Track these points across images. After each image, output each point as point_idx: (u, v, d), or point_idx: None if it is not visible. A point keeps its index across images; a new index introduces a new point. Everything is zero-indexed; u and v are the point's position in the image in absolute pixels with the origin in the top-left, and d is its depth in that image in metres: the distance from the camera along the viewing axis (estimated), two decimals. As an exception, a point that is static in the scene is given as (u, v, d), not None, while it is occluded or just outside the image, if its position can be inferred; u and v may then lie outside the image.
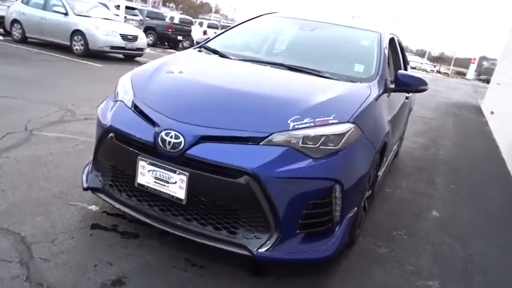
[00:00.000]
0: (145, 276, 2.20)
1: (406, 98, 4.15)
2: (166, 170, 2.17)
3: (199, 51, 3.45)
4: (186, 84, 2.65)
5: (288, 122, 2.22)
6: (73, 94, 6.18)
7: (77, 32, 10.49)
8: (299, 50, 3.57)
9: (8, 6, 11.98)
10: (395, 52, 4.13)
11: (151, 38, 18.91)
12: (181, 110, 2.32)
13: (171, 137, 2.15)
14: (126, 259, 2.29)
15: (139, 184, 2.28)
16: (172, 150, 2.14)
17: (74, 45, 10.59)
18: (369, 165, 2.47)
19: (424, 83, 3.22)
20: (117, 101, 2.59)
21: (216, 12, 73.63)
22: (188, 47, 17.47)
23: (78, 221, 2.61)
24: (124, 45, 10.83)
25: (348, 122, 2.31)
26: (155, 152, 2.20)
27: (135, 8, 20.67)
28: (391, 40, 3.91)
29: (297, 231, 2.19)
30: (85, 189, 2.56)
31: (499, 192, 5.03)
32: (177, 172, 2.14)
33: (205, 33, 22.69)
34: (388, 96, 3.12)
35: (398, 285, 2.52)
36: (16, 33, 11.50)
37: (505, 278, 2.91)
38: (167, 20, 21.10)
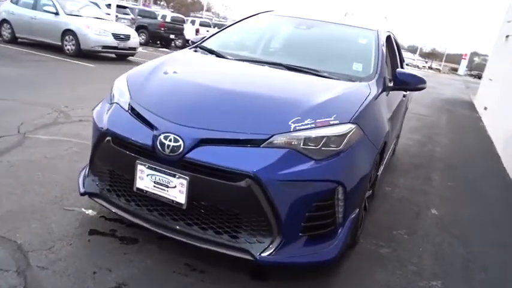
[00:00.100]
0: (145, 282, 2.16)
1: (404, 96, 4.14)
2: (166, 174, 2.12)
3: (195, 51, 3.40)
4: (184, 86, 2.60)
5: (289, 123, 2.18)
6: (66, 95, 6.10)
7: (68, 32, 10.36)
8: (296, 49, 3.54)
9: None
10: (392, 50, 4.11)
11: (143, 37, 18.76)
12: (180, 112, 2.28)
13: (170, 140, 2.10)
14: (125, 265, 2.25)
15: (138, 189, 2.23)
16: (171, 154, 2.10)
17: (65, 45, 10.46)
18: (371, 166, 2.44)
19: (423, 81, 3.20)
20: (113, 103, 2.53)
21: (208, 10, 73.32)
22: (181, 46, 17.41)
23: (76, 226, 2.56)
24: (116, 45, 10.72)
25: (349, 122, 2.28)
26: (154, 156, 2.15)
27: (127, 7, 20.48)
28: (388, 38, 3.88)
29: (300, 234, 2.16)
30: (82, 194, 2.51)
31: (496, 189, 5.05)
32: (177, 176, 2.09)
33: (197, 31, 22.57)
34: (387, 95, 3.10)
35: (402, 286, 2.50)
36: (5, 33, 11.34)
37: (507, 277, 2.90)
38: (159, 18, 20.92)
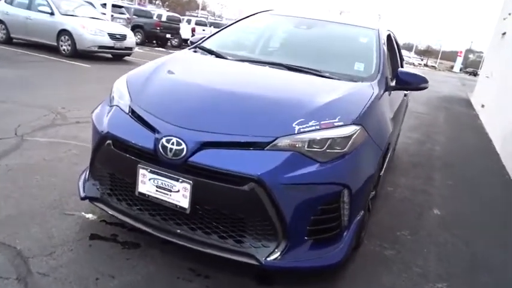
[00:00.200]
0: (149, 288, 2.12)
1: (405, 95, 4.12)
2: (169, 178, 2.08)
3: (195, 51, 3.36)
4: (185, 88, 2.56)
5: (293, 125, 2.15)
6: (62, 96, 6.04)
7: (63, 32, 10.27)
8: (297, 49, 3.50)
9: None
10: (392, 49, 4.08)
11: (139, 36, 18.65)
12: (182, 114, 2.24)
13: (173, 144, 2.06)
14: (128, 271, 2.21)
15: (140, 193, 2.19)
16: (174, 158, 2.06)
17: (61, 46, 10.38)
18: (375, 168, 2.41)
19: (425, 80, 3.18)
20: (113, 105, 2.49)
21: (203, 9, 73.21)
22: (177, 45, 17.34)
23: (76, 231, 2.52)
24: (112, 45, 10.64)
25: (354, 123, 2.25)
26: (156, 160, 2.11)
27: (122, 6, 20.35)
28: (388, 36, 3.86)
29: (305, 238, 2.13)
30: (82, 198, 2.47)
31: (496, 188, 5.03)
32: (180, 180, 2.06)
33: (193, 30, 22.50)
34: (389, 95, 3.07)
35: (407, 289, 2.48)
36: (0, 34, 11.24)
37: (511, 277, 2.88)
38: (155, 18, 20.82)
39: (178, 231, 2.18)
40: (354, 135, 2.19)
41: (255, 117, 2.21)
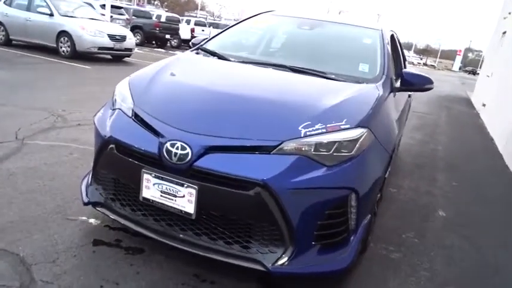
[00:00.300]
0: (154, 295, 2.09)
1: (409, 96, 4.09)
2: (173, 183, 2.05)
3: (197, 53, 3.33)
4: (189, 91, 2.52)
5: (299, 128, 2.11)
6: (63, 98, 6.00)
7: (63, 33, 10.25)
8: (301, 50, 3.46)
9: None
10: (396, 49, 4.05)
11: (138, 37, 18.64)
12: (186, 118, 2.20)
13: (177, 148, 2.03)
14: (132, 278, 2.18)
15: (144, 198, 2.15)
16: (179, 162, 2.02)
17: (61, 47, 10.35)
18: (382, 171, 2.39)
19: (430, 81, 3.15)
20: (116, 109, 2.45)
21: (202, 9, 73.17)
22: (176, 46, 17.33)
23: (79, 237, 2.48)
24: (112, 46, 10.62)
25: (361, 126, 2.21)
26: (160, 164, 2.08)
27: (121, 7, 20.31)
28: (391, 37, 3.83)
29: (313, 243, 2.09)
30: (85, 204, 2.43)
31: (501, 188, 5.00)
32: (185, 185, 2.02)
33: (193, 31, 22.46)
34: (394, 96, 3.04)
35: (415, 293, 2.45)
36: (-1, 35, 11.22)
37: (519, 279, 2.85)
38: (154, 18, 20.78)
39: (182, 236, 2.15)
40: (361, 138, 2.16)
41: (260, 121, 2.18)
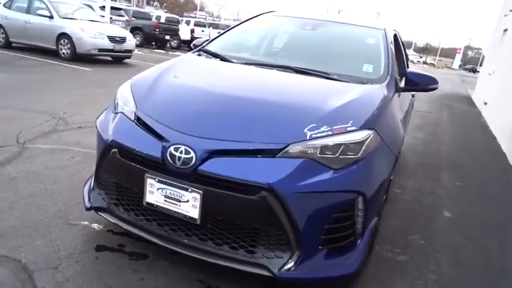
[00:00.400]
0: (158, 302, 2.05)
1: (412, 95, 4.05)
2: (178, 187, 2.02)
3: (199, 55, 3.29)
4: (192, 93, 2.49)
5: (305, 130, 2.08)
6: (63, 101, 5.97)
7: (63, 36, 10.20)
8: (304, 51, 3.43)
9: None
10: (399, 48, 4.01)
11: (138, 38, 18.62)
12: (190, 122, 2.17)
13: (181, 152, 2.00)
14: (136, 284, 2.14)
15: (147, 203, 2.12)
16: (183, 167, 1.99)
17: (61, 49, 10.31)
18: (389, 173, 2.35)
19: (435, 81, 3.12)
20: (118, 112, 2.42)
21: (201, 10, 73.14)
22: (176, 47, 17.31)
23: (82, 242, 2.45)
24: (112, 48, 10.58)
25: (367, 128, 2.18)
26: (164, 169, 2.04)
27: (121, 9, 20.29)
28: (394, 36, 3.80)
29: (319, 248, 2.06)
30: (88, 209, 2.39)
31: (505, 188, 4.96)
32: (190, 190, 1.99)
33: (192, 31, 22.43)
34: (398, 97, 3.01)
35: (423, 297, 2.41)
36: (-1, 38, 11.18)
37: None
38: (153, 19, 20.76)
39: (187, 241, 2.11)
40: (367, 140, 2.12)
41: (265, 123, 2.14)
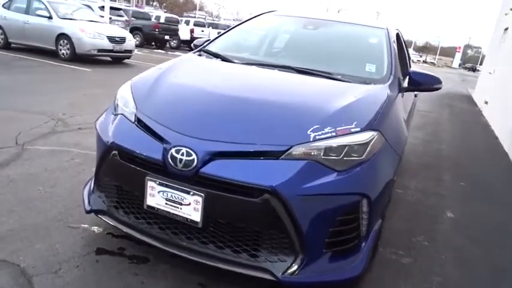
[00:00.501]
0: (160, 306, 2.02)
1: (415, 95, 4.02)
2: (179, 190, 1.98)
3: (200, 55, 3.26)
4: (193, 94, 2.45)
5: (308, 132, 2.04)
6: (63, 102, 5.93)
7: (62, 36, 10.17)
8: (306, 51, 3.39)
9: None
10: (401, 48, 3.98)
11: (137, 38, 18.57)
12: (191, 123, 2.13)
13: (183, 155, 1.96)
14: (137, 288, 2.11)
15: (148, 206, 2.08)
16: (184, 169, 1.95)
17: (60, 50, 10.27)
18: (393, 174, 2.32)
19: (439, 81, 3.08)
20: (118, 114, 2.38)
21: (201, 9, 73.08)
22: (176, 47, 17.26)
23: (82, 246, 2.41)
24: (112, 48, 10.54)
25: (371, 129, 2.14)
26: (165, 171, 2.01)
27: (120, 9, 20.25)
28: (397, 36, 3.76)
29: (324, 251, 2.02)
30: (88, 212, 2.36)
31: (509, 189, 4.92)
32: (191, 193, 1.95)
33: (192, 31, 22.39)
34: (402, 97, 2.97)
35: (428, 300, 2.38)
36: (-2, 39, 11.14)
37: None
38: (153, 19, 20.71)
39: (188, 245, 2.08)
40: (372, 142, 2.09)
41: (268, 125, 2.11)
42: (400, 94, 2.89)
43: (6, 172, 3.27)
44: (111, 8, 17.26)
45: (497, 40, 13.84)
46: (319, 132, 2.04)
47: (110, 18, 16.41)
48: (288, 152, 1.96)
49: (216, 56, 3.16)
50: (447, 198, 4.09)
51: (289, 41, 3.64)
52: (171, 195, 2.00)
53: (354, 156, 2.03)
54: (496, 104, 9.58)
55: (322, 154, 1.98)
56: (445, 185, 4.53)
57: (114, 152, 2.18)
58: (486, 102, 11.37)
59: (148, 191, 2.05)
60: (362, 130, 2.11)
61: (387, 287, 2.44)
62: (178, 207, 2.01)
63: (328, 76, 2.78)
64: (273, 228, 1.95)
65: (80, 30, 10.05)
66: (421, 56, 79.39)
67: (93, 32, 10.19)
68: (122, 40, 10.84)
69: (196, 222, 1.99)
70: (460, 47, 73.07)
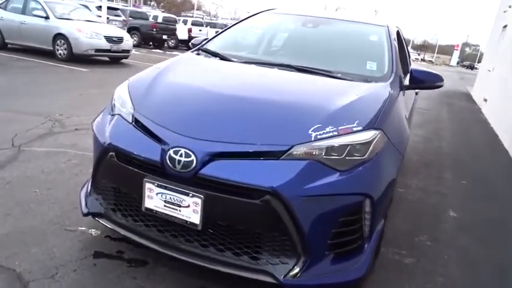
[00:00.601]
0: (159, 311, 1.97)
1: (416, 93, 3.98)
2: (178, 192, 1.93)
3: (198, 54, 3.21)
4: (191, 94, 2.40)
5: (309, 131, 2.00)
6: (60, 102, 5.88)
7: (59, 36, 10.10)
8: (305, 49, 3.34)
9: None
10: (401, 45, 3.93)
11: (135, 38, 18.49)
12: (190, 123, 2.08)
13: (181, 156, 1.91)
14: (136, 292, 2.06)
15: (147, 208, 2.03)
16: (183, 170, 1.91)
17: (57, 50, 10.21)
18: (396, 173, 2.27)
19: (440, 78, 3.04)
20: (115, 114, 2.33)
21: (198, 9, 72.99)
22: (173, 46, 17.19)
23: (79, 249, 2.37)
24: (109, 48, 10.47)
25: (373, 128, 2.10)
26: (163, 173, 1.96)
27: (118, 9, 20.18)
28: (397, 33, 3.71)
29: (326, 253, 1.98)
30: (85, 214, 2.31)
31: (510, 185, 4.89)
32: (190, 195, 1.90)
33: (190, 31, 22.33)
34: (403, 95, 2.93)
35: (432, 301, 2.33)
36: (-5, 39, 11.06)
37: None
38: (151, 19, 20.65)
39: (188, 247, 2.03)
40: (374, 141, 2.04)
41: (268, 125, 2.06)
42: (401, 92, 2.85)
43: (2, 174, 3.21)
44: (109, 8, 17.18)
45: (495, 37, 13.82)
46: (321, 132, 2.00)
47: (108, 18, 16.33)
48: (289, 152, 1.92)
49: (214, 54, 3.11)
50: (449, 197, 4.05)
51: (289, 39, 3.59)
52: (170, 197, 1.96)
53: (356, 156, 1.98)
54: (495, 102, 9.55)
55: (323, 154, 1.94)
56: (447, 183, 4.50)
57: (111, 153, 2.13)
58: (485, 100, 11.34)
59: (147, 193, 2.01)
60: (364, 129, 2.07)
61: (391, 288, 2.40)
62: (177, 210, 1.96)
63: (329, 74, 2.73)
64: (274, 230, 1.91)
65: (77, 30, 9.99)
66: (419, 54, 79.41)
67: (90, 31, 10.12)
68: (120, 40, 10.77)
69: (195, 225, 1.94)
70: (458, 45, 73.01)
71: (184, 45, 21.02)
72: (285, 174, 1.86)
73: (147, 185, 1.99)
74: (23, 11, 10.65)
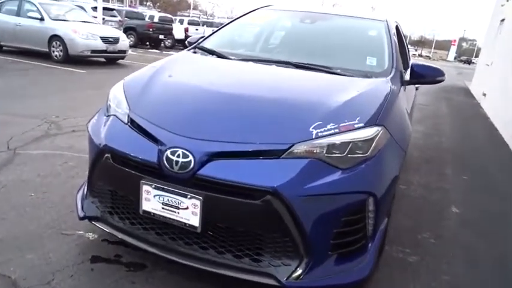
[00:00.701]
0: (159, 316, 1.92)
1: (416, 88, 3.93)
2: (176, 194, 1.88)
3: (194, 52, 3.15)
4: (188, 93, 2.35)
5: (310, 129, 1.94)
6: (56, 104, 5.81)
7: (54, 38, 10.02)
8: (304, 45, 3.28)
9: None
10: (401, 40, 3.88)
11: (131, 38, 18.41)
12: (187, 123, 2.03)
13: (179, 156, 1.86)
14: (135, 297, 2.01)
15: (144, 211, 1.98)
16: (180, 171, 1.85)
17: (53, 52, 10.13)
18: (399, 170, 2.22)
19: (441, 73, 3.00)
20: (110, 115, 2.28)
21: (195, 8, 72.80)
22: (170, 46, 17.11)
23: (76, 254, 2.31)
24: (105, 48, 10.40)
25: (375, 124, 2.05)
26: (161, 174, 1.91)
27: (114, 9, 20.07)
28: (396, 28, 3.66)
29: (329, 253, 1.93)
30: (81, 218, 2.25)
31: (511, 179, 4.84)
32: (189, 196, 1.85)
33: (186, 30, 22.24)
34: (404, 90, 2.88)
35: (438, 300, 2.29)
36: (-11, 42, 10.98)
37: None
38: (147, 19, 20.55)
39: (187, 250, 1.98)
40: (377, 138, 1.99)
41: (267, 123, 2.01)
42: (402, 87, 2.80)
43: (-3, 178, 3.16)
44: (104, 9, 17.08)
45: (493, 32, 13.78)
46: (322, 129, 1.95)
47: (103, 18, 16.23)
48: (289, 150, 1.87)
49: (211, 52, 3.05)
50: (451, 193, 4.01)
51: (287, 35, 3.54)
52: (168, 199, 1.90)
53: (359, 153, 1.93)
54: (494, 96, 9.51)
55: (325, 152, 1.89)
56: (448, 179, 4.45)
57: (106, 155, 2.08)
58: (484, 94, 11.30)
59: (144, 195, 1.95)
60: (366, 125, 2.02)
61: (395, 287, 2.34)
62: (175, 212, 1.91)
63: (328, 70, 2.68)
64: (276, 231, 1.86)
65: (72, 31, 9.91)
66: (416, 50, 79.38)
67: (86, 32, 10.05)
68: (116, 40, 10.70)
69: (194, 227, 1.89)
70: (455, 40, 73.07)
71: (181, 44, 20.91)
72: (285, 174, 1.81)
73: (144, 187, 1.94)
74: (18, 13, 10.57)
